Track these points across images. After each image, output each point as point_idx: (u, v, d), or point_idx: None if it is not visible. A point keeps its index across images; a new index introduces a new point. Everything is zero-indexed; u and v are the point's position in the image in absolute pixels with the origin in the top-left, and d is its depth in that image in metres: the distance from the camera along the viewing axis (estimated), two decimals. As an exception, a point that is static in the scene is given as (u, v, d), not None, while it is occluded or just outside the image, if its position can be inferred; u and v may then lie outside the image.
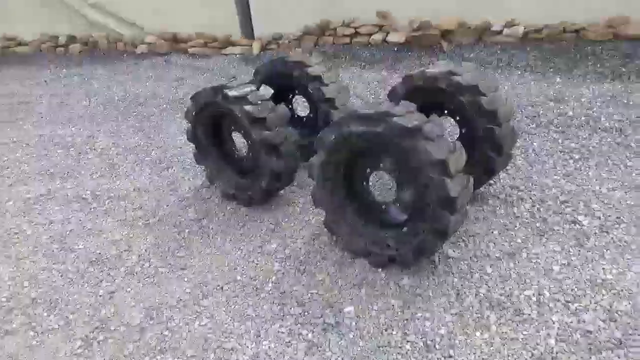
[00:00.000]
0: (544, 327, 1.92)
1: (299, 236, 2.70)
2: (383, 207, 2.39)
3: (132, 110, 5.16)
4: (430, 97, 2.65)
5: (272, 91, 3.18)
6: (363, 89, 4.75)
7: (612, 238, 2.35)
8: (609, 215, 2.50)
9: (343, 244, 2.48)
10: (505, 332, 1.94)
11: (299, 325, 2.10)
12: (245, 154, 3.12)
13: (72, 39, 8.01)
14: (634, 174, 2.83)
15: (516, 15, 5.00)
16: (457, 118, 2.68)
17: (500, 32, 5.09)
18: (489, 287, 2.15)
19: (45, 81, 6.62)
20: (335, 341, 2.01)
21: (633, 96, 3.76)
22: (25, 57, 7.81)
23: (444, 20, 5.29)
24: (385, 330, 2.01)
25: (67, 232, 3.00)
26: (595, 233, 2.40)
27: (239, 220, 2.93)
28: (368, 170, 2.36)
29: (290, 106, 3.61)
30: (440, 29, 5.31)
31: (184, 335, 2.14)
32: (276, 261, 2.53)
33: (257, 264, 2.53)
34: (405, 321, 2.04)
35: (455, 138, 2.71)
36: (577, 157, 3.10)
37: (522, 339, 1.90)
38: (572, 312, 1.97)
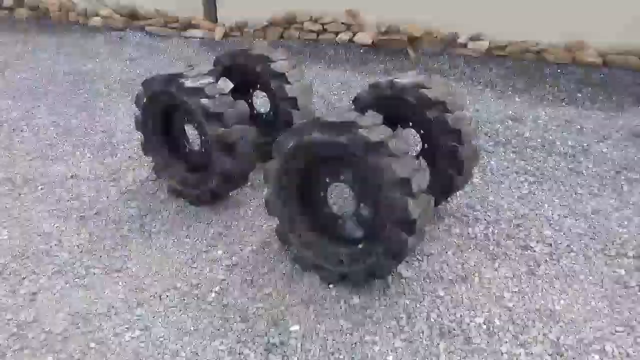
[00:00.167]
0: (492, 359, 1.88)
1: (248, 243, 2.55)
2: (339, 220, 2.29)
3: (78, 88, 4.80)
4: (397, 108, 2.57)
5: (232, 85, 3.00)
6: (326, 89, 4.64)
7: (561, 267, 2.36)
8: (560, 243, 2.52)
9: (294, 255, 2.36)
10: (454, 362, 1.88)
11: (240, 343, 1.96)
12: (197, 149, 2.93)
13: (19, 2, 7.41)
14: (583, 202, 2.87)
15: (482, 29, 5.03)
16: (422, 132, 2.61)
17: (465, 45, 5.10)
18: (440, 311, 2.10)
19: (-18, 46, 6.09)
20: (278, 363, 1.89)
21: (586, 123, 3.84)
22: (-39, 17, 7.18)
23: (411, 27, 5.25)
24: (332, 354, 1.91)
25: (-10, 220, 2.72)
26: (546, 260, 2.40)
27: (184, 220, 2.75)
28: (327, 180, 2.25)
29: (249, 101, 3.44)
30: (407, 35, 5.27)
31: (112, 348, 1.95)
32: (221, 269, 2.37)
33: (200, 270, 2.37)
34: (354, 345, 1.94)
35: (418, 151, 2.65)
36: (531, 179, 3.12)
37: (470, 369, 1.86)
38: (520, 344, 1.94)
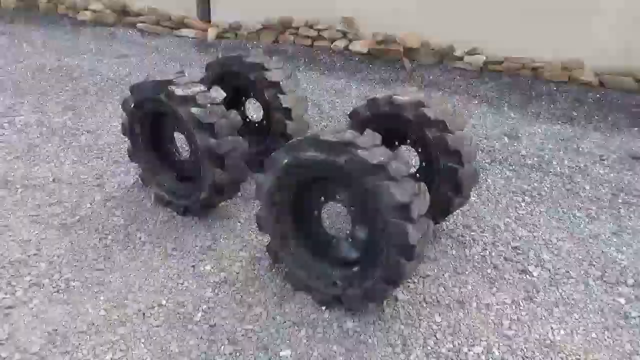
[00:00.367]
0: (490, 393, 1.81)
1: (237, 258, 2.45)
2: (334, 240, 2.20)
3: (64, 85, 4.65)
4: (395, 124, 2.49)
5: (224, 94, 2.90)
6: (319, 97, 4.55)
7: (560, 294, 2.30)
8: (559, 268, 2.46)
9: (285, 274, 2.26)
10: (450, 394, 1.81)
11: (228, 369, 1.86)
12: (186, 158, 2.81)
13: (5, -8, 7.22)
14: (581, 225, 2.83)
15: (479, 44, 4.99)
16: (420, 150, 2.54)
17: (461, 59, 5.06)
18: (437, 339, 2.02)
19: (-34, 37, 5.90)
20: (266, 391, 1.79)
21: (582, 143, 3.82)
22: (-55, 5, 6.95)
23: (407, 37, 5.19)
24: (324, 383, 1.82)
25: (-36, 225, 2.58)
26: (545, 286, 2.34)
27: (171, 231, 2.63)
28: (322, 198, 2.16)
29: (242, 108, 3.34)
30: (403, 46, 5.21)
31: (90, 372, 1.83)
32: (209, 286, 2.26)
33: (187, 287, 2.26)
34: (347, 374, 1.86)
35: (415, 169, 2.58)
36: (528, 199, 3.07)
37: (467, 403, 1.78)
38: (519, 377, 1.88)
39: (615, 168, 3.45)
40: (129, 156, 2.92)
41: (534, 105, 4.47)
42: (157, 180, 2.83)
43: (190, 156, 2.71)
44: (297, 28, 5.75)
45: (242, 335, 2.01)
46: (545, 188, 3.20)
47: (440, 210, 2.48)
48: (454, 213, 2.81)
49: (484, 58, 4.96)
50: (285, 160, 2.03)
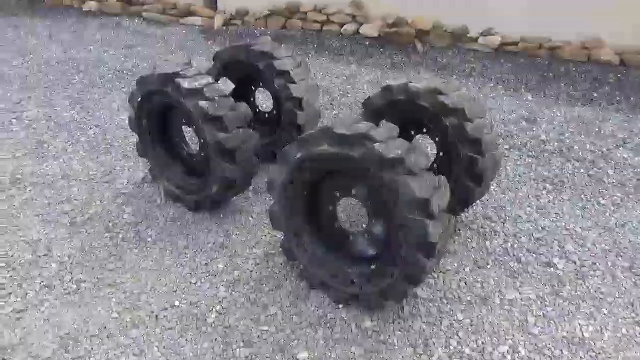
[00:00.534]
0: (518, 395, 1.74)
1: (251, 255, 2.39)
2: (350, 237, 2.12)
3: (71, 78, 4.59)
4: (411, 113, 2.39)
5: (233, 86, 2.81)
6: (330, 84, 4.44)
7: (588, 288, 2.20)
8: (585, 260, 2.36)
9: (300, 272, 2.19)
10: (476, 396, 1.74)
11: (244, 373, 1.81)
12: (196, 152, 2.74)
13: (10, -16, 7.15)
14: (607, 214, 2.71)
15: (494, 24, 4.81)
16: (437, 139, 2.44)
17: (476, 40, 4.90)
18: (460, 338, 1.94)
19: (-28, 31, 5.85)
20: (284, 395, 1.74)
21: (605, 125, 3.67)
22: (-50, -1, 6.91)
23: (419, 20, 5.03)
24: (344, 388, 1.76)
25: (-26, 226, 2.54)
26: (571, 280, 2.25)
27: (183, 228, 2.57)
28: (337, 193, 2.07)
29: (252, 99, 3.25)
30: (415, 29, 5.05)
31: (104, 377, 1.79)
32: (222, 285, 2.20)
33: (200, 287, 2.20)
34: (367, 377, 1.79)
35: (432, 159, 2.48)
36: (550, 187, 2.95)
37: (493, 405, 1.71)
38: (548, 377, 1.80)
39: (639, 151, 3.31)
40: (137, 152, 2.85)
41: (553, 87, 4.31)
42: (166, 175, 2.77)
43: (200, 150, 2.64)
44: (306, 13, 5.60)
45: (258, 337, 1.95)
46: (568, 175, 3.08)
47: (460, 202, 2.38)
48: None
49: (500, 39, 4.79)
50: (298, 155, 1.94)
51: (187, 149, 2.79)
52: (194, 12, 6.30)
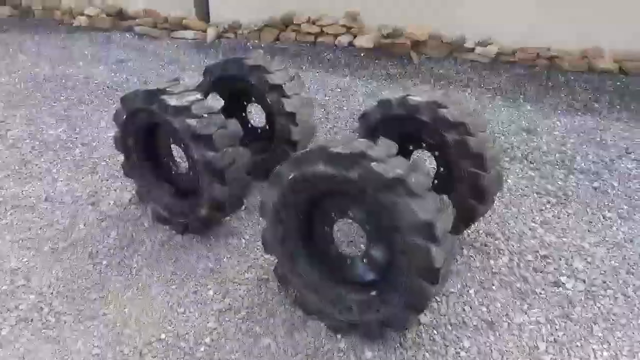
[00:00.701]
0: None
1: (243, 280, 2.25)
2: (348, 261, 1.99)
3: (59, 94, 4.47)
4: (409, 127, 2.28)
5: (222, 102, 2.69)
6: (324, 97, 4.34)
7: (599, 308, 2.08)
8: (594, 279, 2.24)
9: (295, 298, 2.06)
10: None
11: (234, 415, 1.67)
12: (184, 172, 2.62)
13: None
14: (614, 227, 2.60)
15: (491, 34, 4.74)
16: (437, 154, 2.33)
17: (472, 50, 4.82)
18: (466, 369, 1.81)
19: (-42, 48, 5.74)
20: None
21: (606, 135, 3.58)
22: (-63, 17, 6.80)
23: (415, 29, 4.96)
24: None
25: (-51, 254, 2.40)
26: (581, 300, 2.12)
27: (170, 253, 2.44)
28: (333, 215, 1.95)
29: (244, 114, 3.14)
30: (411, 39, 4.98)
31: (82, 422, 1.65)
32: (212, 314, 2.07)
33: (188, 316, 2.06)
34: (368, 416, 1.66)
35: (432, 175, 2.36)
36: (554, 201, 2.84)
37: None
38: (563, 411, 1.67)
39: (644, 162, 3.21)
40: (123, 172, 2.73)
41: (552, 96, 4.23)
42: (154, 196, 2.64)
43: (189, 170, 2.51)
44: (299, 24, 5.52)
45: (250, 371, 1.82)
46: (571, 187, 2.97)
47: (462, 220, 2.26)
48: (476, 220, 2.59)
49: (497, 49, 4.71)
50: (291, 175, 1.83)
51: (175, 168, 2.67)
52: (186, 25, 6.22)
